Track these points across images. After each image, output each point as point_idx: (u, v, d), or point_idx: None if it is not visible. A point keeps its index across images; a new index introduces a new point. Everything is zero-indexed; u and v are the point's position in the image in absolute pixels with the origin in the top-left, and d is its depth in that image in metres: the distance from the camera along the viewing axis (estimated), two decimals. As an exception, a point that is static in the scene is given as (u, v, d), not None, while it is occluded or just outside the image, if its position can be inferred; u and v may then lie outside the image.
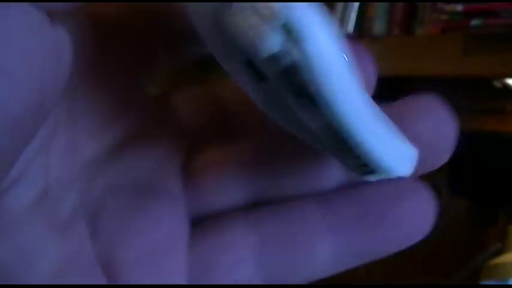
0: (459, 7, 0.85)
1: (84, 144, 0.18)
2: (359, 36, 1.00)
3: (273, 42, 0.15)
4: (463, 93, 1.03)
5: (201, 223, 0.19)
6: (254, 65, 0.17)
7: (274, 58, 0.16)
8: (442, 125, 0.18)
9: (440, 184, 1.00)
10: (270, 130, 0.19)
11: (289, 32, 0.15)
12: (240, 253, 0.18)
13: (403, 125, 0.17)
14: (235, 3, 0.16)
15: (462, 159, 0.89)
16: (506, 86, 0.93)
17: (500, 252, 0.81)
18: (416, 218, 0.18)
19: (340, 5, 1.01)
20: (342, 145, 0.17)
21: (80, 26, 0.17)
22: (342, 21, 1.00)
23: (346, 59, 0.15)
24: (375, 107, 0.18)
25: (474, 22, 0.84)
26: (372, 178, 0.18)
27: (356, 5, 1.00)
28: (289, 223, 0.18)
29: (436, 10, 0.93)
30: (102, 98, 0.18)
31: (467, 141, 0.81)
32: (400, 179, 0.18)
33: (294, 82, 0.16)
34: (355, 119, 0.16)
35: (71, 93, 0.17)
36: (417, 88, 0.93)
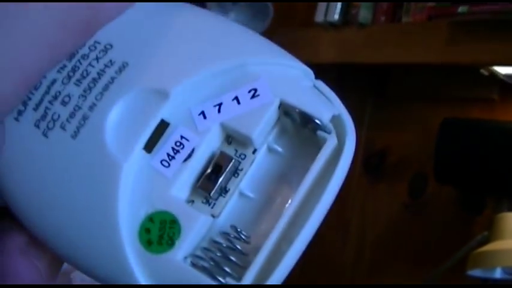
0: (445, -6, 0.84)
1: None
2: (345, 24, 0.99)
3: None
4: (450, 81, 1.02)
5: None
6: None
7: None
8: None
9: (427, 173, 1.00)
10: None
11: None
12: None
13: None
14: None
15: (449, 148, 0.89)
16: (494, 73, 0.92)
17: (486, 241, 0.81)
18: None
19: (325, -8, 1.00)
20: None
21: None
22: (328, 9, 0.99)
23: None
24: None
25: (461, 9, 0.83)
26: None
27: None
28: None
29: (423, -3, 0.92)
30: None
31: (454, 130, 0.80)
32: None
33: None
34: None
35: None
36: (403, 75, 0.92)
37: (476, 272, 0.79)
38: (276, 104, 0.20)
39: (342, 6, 0.98)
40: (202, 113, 0.20)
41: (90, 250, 0.19)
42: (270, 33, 1.08)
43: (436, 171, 0.92)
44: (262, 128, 0.20)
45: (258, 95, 0.20)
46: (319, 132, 0.20)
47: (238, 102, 0.20)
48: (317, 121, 0.20)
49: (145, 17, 0.20)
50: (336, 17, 0.98)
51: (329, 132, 0.20)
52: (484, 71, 0.92)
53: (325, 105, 0.20)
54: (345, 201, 1.10)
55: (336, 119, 0.20)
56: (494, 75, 0.93)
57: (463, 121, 0.93)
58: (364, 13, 0.97)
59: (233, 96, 0.20)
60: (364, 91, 1.11)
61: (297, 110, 0.20)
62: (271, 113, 0.20)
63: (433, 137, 0.91)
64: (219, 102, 0.20)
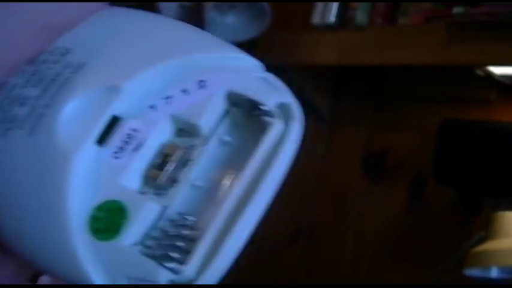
0: (441, -5, 0.84)
1: None
2: (341, 26, 0.99)
3: None
4: (446, 83, 1.02)
5: None
6: None
7: None
8: None
9: (426, 174, 1.00)
10: None
11: None
12: None
13: None
14: None
15: (448, 149, 0.89)
16: (490, 74, 0.93)
17: (483, 240, 0.81)
18: None
19: (322, -6, 1.00)
20: None
21: None
22: (324, 11, 0.99)
23: None
24: None
25: (456, 10, 0.84)
26: None
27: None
28: None
29: (419, -1, 0.92)
30: None
31: (452, 131, 0.80)
32: None
33: None
34: None
35: None
36: (401, 77, 0.92)
37: (473, 272, 0.79)
38: (223, 92, 0.21)
39: (338, 8, 0.98)
40: (153, 106, 0.21)
41: (42, 240, 0.20)
42: (268, 36, 1.08)
43: (435, 172, 0.92)
44: (208, 116, 0.21)
45: (206, 86, 0.21)
46: (265, 118, 0.21)
47: (187, 94, 0.21)
48: (262, 106, 0.21)
49: (102, 23, 0.21)
50: (333, 19, 0.98)
51: (273, 117, 0.21)
52: (479, 72, 0.92)
53: (271, 93, 0.21)
54: (344, 203, 1.10)
55: (284, 107, 0.22)
56: (491, 76, 0.93)
57: (462, 122, 0.93)
58: (360, 15, 0.97)
59: (182, 88, 0.21)
60: (363, 92, 1.11)
61: (243, 97, 0.21)
62: (218, 102, 0.21)
63: (431, 138, 0.92)
64: (168, 95, 0.21)
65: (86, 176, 0.20)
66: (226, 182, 0.21)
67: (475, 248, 0.79)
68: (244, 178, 0.20)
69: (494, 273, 0.77)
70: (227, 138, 0.21)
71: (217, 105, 0.20)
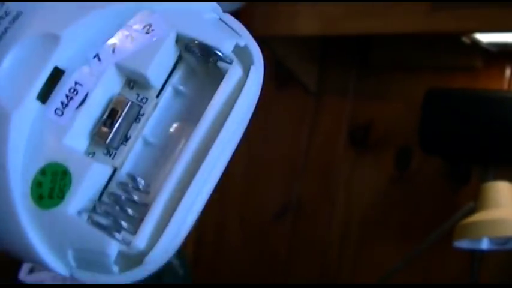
0: (425, -39, 0.82)
1: None
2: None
3: None
4: (432, 50, 1.01)
5: None
6: None
7: None
8: None
9: (412, 144, 0.99)
10: None
11: None
12: None
13: None
14: None
15: (434, 118, 0.88)
16: (475, 41, 0.91)
17: (473, 211, 0.80)
18: None
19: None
20: None
21: None
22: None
23: None
24: None
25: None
26: None
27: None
28: None
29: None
30: None
31: (438, 100, 0.79)
32: None
33: None
34: None
35: None
36: (384, 46, 0.90)
37: (463, 243, 0.78)
38: (172, 36, 0.19)
39: (321, -23, 0.96)
40: (97, 55, 0.18)
41: None
42: (249, 8, 1.06)
43: (422, 141, 0.91)
44: (157, 64, 0.18)
45: (153, 30, 0.19)
46: (221, 64, 0.19)
47: (133, 40, 0.18)
48: (217, 51, 0.19)
49: None
50: (315, -11, 0.96)
51: (230, 63, 0.19)
52: (466, 39, 0.91)
53: (228, 36, 0.19)
54: (330, 176, 1.09)
55: (242, 50, 0.19)
56: (477, 43, 0.91)
57: (447, 91, 0.92)
58: (343, -16, 0.95)
59: (127, 34, 0.19)
60: (347, 63, 1.10)
61: (196, 42, 0.19)
62: (167, 47, 0.19)
63: (417, 108, 0.90)
64: (113, 42, 0.18)
65: (29, 137, 0.17)
66: (182, 137, 0.19)
67: (465, 219, 0.78)
68: (200, 132, 0.18)
69: (484, 244, 0.77)
70: (182, 88, 0.19)
71: (167, 52, 0.18)
